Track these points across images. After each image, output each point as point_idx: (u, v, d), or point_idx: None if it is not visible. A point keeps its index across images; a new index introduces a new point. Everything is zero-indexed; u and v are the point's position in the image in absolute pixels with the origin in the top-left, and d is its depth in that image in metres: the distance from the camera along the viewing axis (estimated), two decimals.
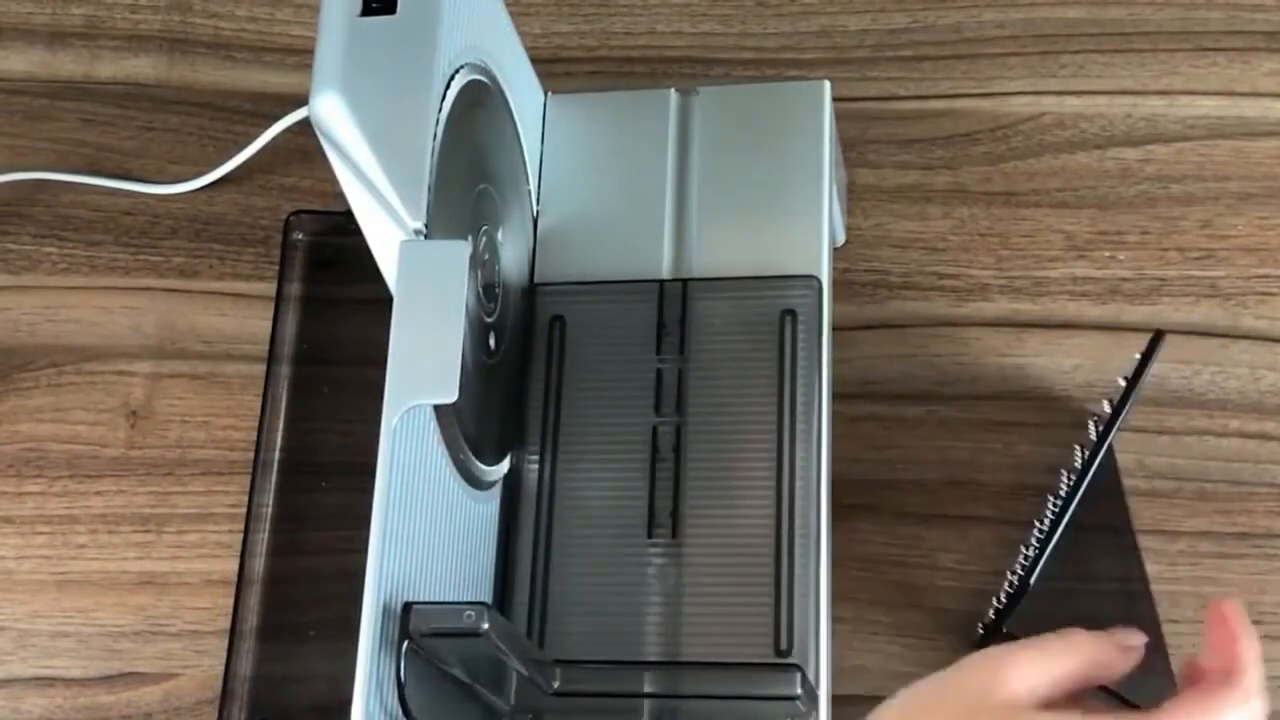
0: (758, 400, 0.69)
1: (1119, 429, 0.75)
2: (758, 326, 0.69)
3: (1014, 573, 0.75)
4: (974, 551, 0.78)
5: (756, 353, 0.70)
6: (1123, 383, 0.76)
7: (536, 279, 0.74)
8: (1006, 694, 0.52)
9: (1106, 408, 0.76)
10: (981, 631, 0.75)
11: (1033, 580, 0.72)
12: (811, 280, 0.70)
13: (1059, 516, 0.73)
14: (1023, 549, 0.76)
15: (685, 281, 0.72)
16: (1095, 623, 0.75)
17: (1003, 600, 0.73)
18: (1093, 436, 0.77)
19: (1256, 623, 0.76)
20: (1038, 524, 0.76)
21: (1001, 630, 0.72)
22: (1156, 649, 0.74)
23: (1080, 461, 0.76)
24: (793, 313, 0.70)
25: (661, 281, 0.72)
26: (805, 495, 0.67)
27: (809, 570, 0.66)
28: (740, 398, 0.69)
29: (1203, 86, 0.87)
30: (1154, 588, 0.76)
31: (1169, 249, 0.83)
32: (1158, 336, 0.76)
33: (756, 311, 0.70)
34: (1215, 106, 0.86)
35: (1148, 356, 0.75)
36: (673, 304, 0.71)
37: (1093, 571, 0.76)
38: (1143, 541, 0.77)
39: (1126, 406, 0.75)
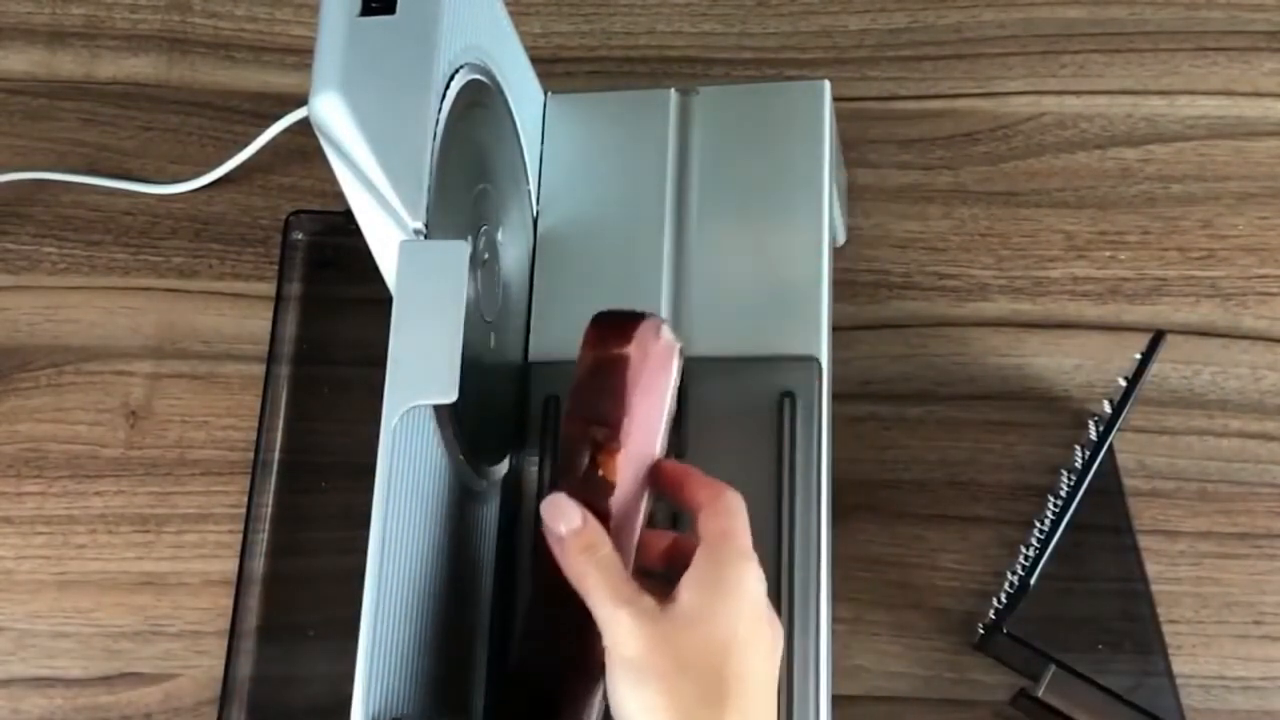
0: (756, 488, 0.65)
1: (1119, 429, 0.75)
2: (756, 410, 0.68)
3: (1014, 573, 0.75)
4: (974, 551, 0.78)
5: (755, 438, 0.67)
6: (1123, 383, 0.76)
7: (531, 352, 0.72)
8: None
9: (1106, 408, 0.76)
10: (982, 631, 0.75)
11: (1033, 580, 0.72)
12: (811, 362, 0.69)
13: (1059, 516, 0.73)
14: (1023, 549, 0.76)
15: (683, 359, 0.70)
16: (1095, 623, 0.76)
17: (1003, 600, 0.73)
18: (1093, 436, 0.77)
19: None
20: (1038, 524, 0.76)
21: (1002, 630, 0.72)
22: (1157, 649, 0.75)
23: (1080, 461, 0.76)
24: (791, 395, 0.68)
25: None
26: (805, 577, 0.65)
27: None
28: (738, 483, 0.65)
29: (1203, 86, 0.87)
30: (1154, 588, 0.76)
31: (1169, 249, 0.83)
32: (1158, 336, 0.76)
33: (755, 393, 0.68)
34: (1216, 106, 0.86)
35: (1148, 356, 0.75)
36: None
37: (1093, 571, 0.76)
38: (1143, 541, 0.77)
39: (1126, 406, 0.75)
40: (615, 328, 0.58)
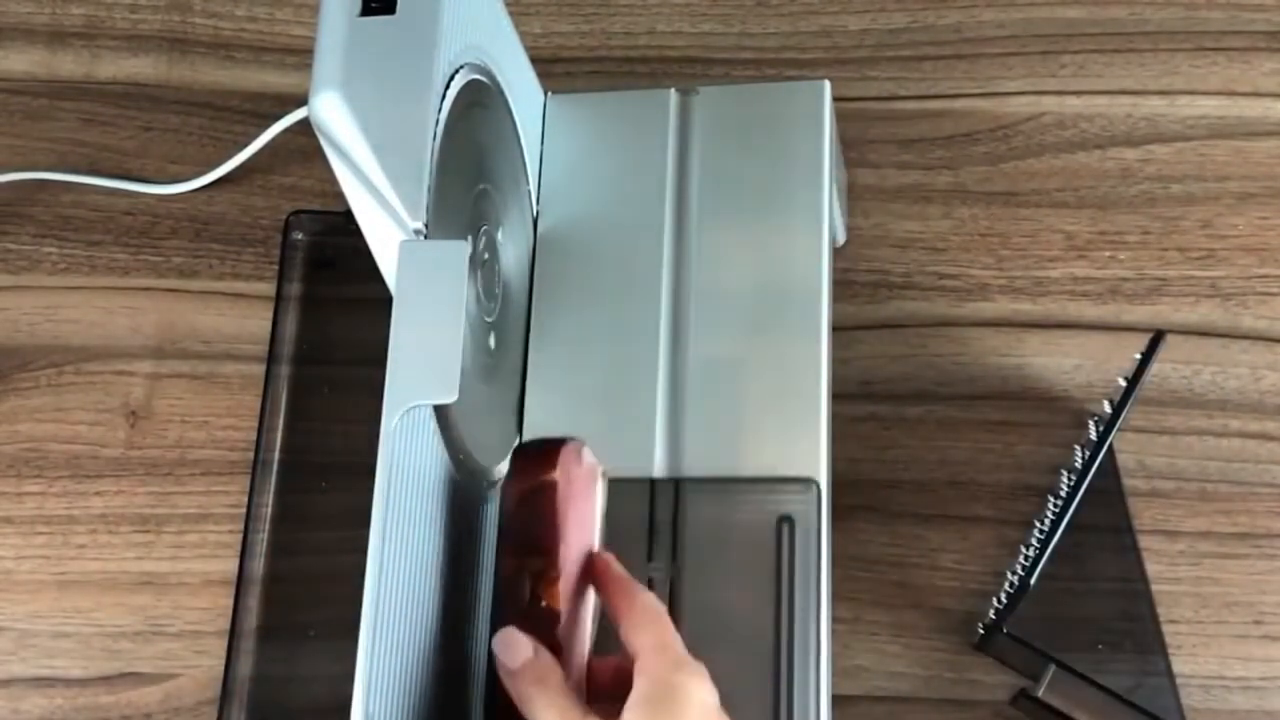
0: (754, 614, 0.66)
1: (1119, 429, 0.75)
2: (753, 534, 0.67)
3: (1014, 573, 0.75)
4: (974, 551, 0.78)
5: (752, 562, 0.67)
6: (1123, 383, 0.76)
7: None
8: None
9: (1106, 408, 0.76)
10: (981, 631, 0.75)
11: (1033, 580, 0.72)
12: (810, 484, 0.67)
13: (1059, 516, 0.73)
14: (1023, 549, 0.76)
15: (678, 481, 0.69)
16: (1095, 623, 0.76)
17: (1003, 600, 0.73)
18: (1093, 436, 0.77)
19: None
20: (1038, 524, 0.76)
21: (1002, 630, 0.72)
22: (1157, 649, 0.75)
23: (1080, 461, 0.76)
24: (790, 519, 0.67)
25: (653, 480, 0.69)
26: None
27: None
28: (735, 611, 0.66)
29: (1203, 86, 0.87)
30: (1154, 588, 0.76)
31: (1169, 249, 0.83)
32: (1158, 336, 0.76)
33: (752, 517, 0.67)
34: (1215, 106, 0.86)
35: (1148, 356, 0.76)
36: (664, 505, 0.68)
37: (1093, 571, 0.76)
38: (1143, 541, 0.77)
39: (1126, 406, 0.75)
40: (537, 457, 0.58)
